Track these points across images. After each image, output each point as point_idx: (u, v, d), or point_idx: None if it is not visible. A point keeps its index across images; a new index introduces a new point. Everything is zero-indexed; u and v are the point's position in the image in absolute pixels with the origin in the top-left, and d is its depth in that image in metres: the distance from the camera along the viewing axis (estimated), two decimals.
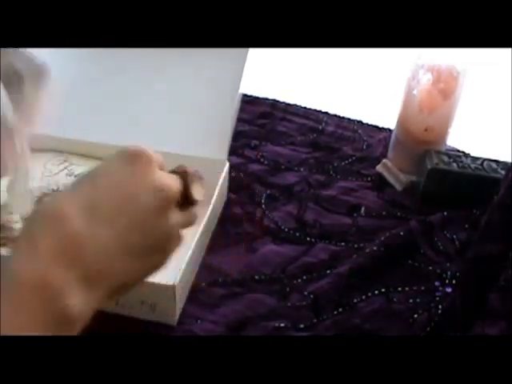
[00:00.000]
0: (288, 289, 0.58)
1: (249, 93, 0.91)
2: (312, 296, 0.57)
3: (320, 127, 0.86)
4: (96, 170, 0.39)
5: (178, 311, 0.53)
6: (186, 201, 0.43)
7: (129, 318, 0.53)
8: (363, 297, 0.57)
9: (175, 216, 0.41)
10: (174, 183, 0.41)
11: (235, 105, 0.68)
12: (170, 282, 0.50)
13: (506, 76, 0.90)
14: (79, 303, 0.34)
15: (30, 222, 0.36)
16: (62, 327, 0.33)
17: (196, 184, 0.45)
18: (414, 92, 0.70)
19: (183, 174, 0.43)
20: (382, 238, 0.62)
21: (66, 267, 0.33)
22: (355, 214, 0.69)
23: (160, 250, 0.40)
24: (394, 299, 0.57)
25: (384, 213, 0.69)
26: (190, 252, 0.53)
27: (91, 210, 0.36)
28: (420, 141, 0.72)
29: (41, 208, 0.36)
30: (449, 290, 0.58)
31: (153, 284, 0.50)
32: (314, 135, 0.84)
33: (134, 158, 0.39)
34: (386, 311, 0.56)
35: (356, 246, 0.64)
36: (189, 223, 0.44)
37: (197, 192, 0.44)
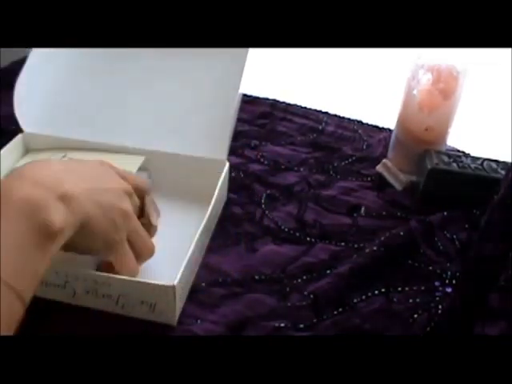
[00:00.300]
0: (288, 289, 0.58)
1: (249, 93, 0.91)
2: (312, 296, 0.57)
3: (320, 127, 0.86)
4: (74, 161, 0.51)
5: (178, 311, 0.53)
6: (143, 219, 0.53)
7: (128, 318, 0.52)
8: (363, 297, 0.57)
9: (135, 217, 0.50)
10: (128, 185, 0.51)
11: (235, 105, 0.68)
12: (170, 283, 0.50)
13: (506, 76, 0.90)
14: (59, 218, 0.40)
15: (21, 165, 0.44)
16: (44, 238, 0.39)
17: (153, 208, 0.55)
18: (414, 92, 0.70)
19: (140, 191, 0.53)
20: (382, 238, 0.62)
21: (47, 189, 0.40)
22: (355, 214, 0.69)
23: (116, 225, 0.47)
24: (394, 299, 0.57)
25: (384, 213, 0.69)
26: (189, 252, 0.53)
27: (70, 169, 0.46)
28: (420, 141, 0.72)
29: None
30: (449, 290, 0.58)
31: (153, 284, 0.50)
32: (314, 135, 0.84)
33: (102, 162, 0.51)
34: (386, 311, 0.56)
35: (356, 246, 0.64)
36: (146, 243, 0.52)
37: (152, 213, 0.54)
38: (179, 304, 0.53)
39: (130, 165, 0.64)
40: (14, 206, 0.37)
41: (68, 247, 0.43)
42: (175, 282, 0.50)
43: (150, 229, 0.54)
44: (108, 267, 0.51)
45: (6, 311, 0.35)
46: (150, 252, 0.53)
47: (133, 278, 0.51)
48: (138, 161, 0.65)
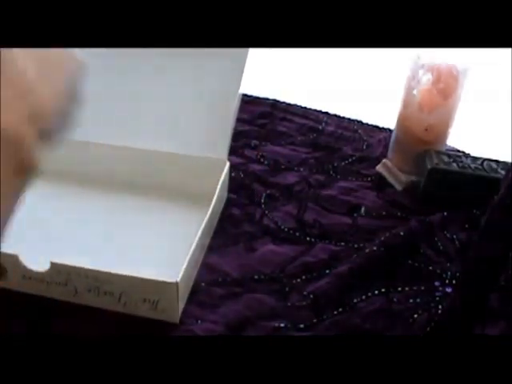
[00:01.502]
0: (288, 289, 0.58)
1: (249, 93, 0.91)
2: (312, 296, 0.57)
3: (320, 127, 0.86)
4: None
5: (181, 309, 0.53)
6: None
7: (130, 316, 0.52)
8: (363, 297, 0.57)
9: None
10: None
11: (235, 105, 0.68)
12: (173, 279, 0.50)
13: (506, 76, 0.90)
14: (37, 155, 0.38)
15: None
16: (20, 173, 0.37)
17: None
18: (414, 92, 0.70)
19: None
20: (382, 238, 0.62)
21: (31, 123, 0.37)
22: (355, 214, 0.69)
23: None
24: (394, 299, 0.57)
25: (384, 213, 0.69)
26: (191, 250, 0.53)
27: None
28: (420, 141, 0.72)
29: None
30: (449, 290, 0.58)
31: (156, 281, 0.50)
32: (314, 135, 0.84)
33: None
34: (386, 311, 0.56)
35: (356, 246, 0.64)
36: None
37: None
38: (181, 302, 0.53)
39: None
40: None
41: None
42: (178, 279, 0.50)
43: None
44: None
45: None
46: None
47: (136, 275, 0.51)
48: None
